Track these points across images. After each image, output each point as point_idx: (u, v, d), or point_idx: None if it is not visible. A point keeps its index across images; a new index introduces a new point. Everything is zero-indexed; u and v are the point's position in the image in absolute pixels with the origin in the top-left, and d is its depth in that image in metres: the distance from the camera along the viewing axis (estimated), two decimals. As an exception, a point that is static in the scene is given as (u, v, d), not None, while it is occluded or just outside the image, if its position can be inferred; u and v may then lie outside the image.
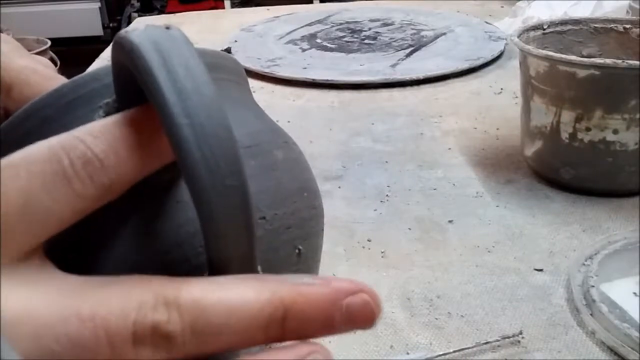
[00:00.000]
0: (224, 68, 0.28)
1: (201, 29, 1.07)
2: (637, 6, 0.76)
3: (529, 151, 0.52)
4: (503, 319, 0.37)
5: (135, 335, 0.17)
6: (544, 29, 0.54)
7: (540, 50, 0.47)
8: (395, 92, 0.75)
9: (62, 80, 0.29)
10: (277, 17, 1.09)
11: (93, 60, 0.87)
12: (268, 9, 1.19)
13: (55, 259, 0.23)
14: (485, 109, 0.68)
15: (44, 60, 0.32)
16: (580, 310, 0.36)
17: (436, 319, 0.37)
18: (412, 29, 0.97)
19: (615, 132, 0.46)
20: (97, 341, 0.16)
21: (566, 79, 0.46)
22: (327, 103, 0.73)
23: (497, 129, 0.62)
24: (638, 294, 0.37)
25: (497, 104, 0.69)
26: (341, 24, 1.03)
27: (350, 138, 0.63)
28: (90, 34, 3.22)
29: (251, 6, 1.97)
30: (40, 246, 0.19)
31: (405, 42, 0.91)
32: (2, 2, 2.96)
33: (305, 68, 0.81)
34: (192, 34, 1.02)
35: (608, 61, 0.44)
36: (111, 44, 0.21)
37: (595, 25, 0.54)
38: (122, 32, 0.20)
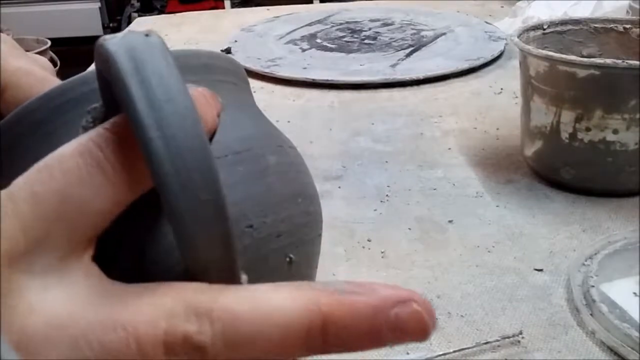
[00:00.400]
0: (219, 69, 0.27)
1: (201, 29, 1.07)
2: (637, 6, 0.76)
3: (529, 151, 0.52)
4: (503, 319, 0.37)
5: (166, 345, 0.17)
6: (544, 29, 0.54)
7: (540, 50, 0.47)
8: (395, 92, 0.75)
9: (54, 82, 0.29)
10: (277, 17, 1.09)
11: (93, 61, 0.87)
12: (268, 9, 1.19)
13: None
14: (485, 109, 0.68)
15: (42, 59, 0.32)
16: (580, 310, 0.36)
17: (436, 319, 0.37)
18: (412, 29, 0.97)
19: (615, 132, 0.46)
20: (128, 350, 0.16)
21: (566, 79, 0.46)
22: (327, 103, 0.73)
23: (497, 129, 0.62)
24: (638, 294, 0.37)
25: (497, 104, 0.69)
26: (341, 24, 1.03)
27: (350, 138, 0.63)
28: (90, 34, 3.21)
29: (251, 6, 1.97)
30: (90, 247, 0.19)
31: (405, 42, 0.91)
32: (2, 2, 2.95)
33: (305, 68, 0.81)
34: (192, 34, 1.02)
35: (608, 61, 0.44)
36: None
37: (595, 25, 0.54)
38: (102, 39, 0.20)
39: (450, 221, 0.47)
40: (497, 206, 0.49)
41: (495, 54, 0.83)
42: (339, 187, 0.53)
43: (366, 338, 0.18)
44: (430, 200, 0.50)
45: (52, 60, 2.14)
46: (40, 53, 2.01)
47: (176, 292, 0.18)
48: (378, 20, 1.03)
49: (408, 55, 0.85)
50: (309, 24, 1.02)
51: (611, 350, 0.34)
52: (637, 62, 0.43)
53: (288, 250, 0.25)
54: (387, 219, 0.48)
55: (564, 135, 0.48)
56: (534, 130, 0.51)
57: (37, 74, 0.30)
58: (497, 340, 0.34)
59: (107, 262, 0.21)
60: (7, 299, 0.16)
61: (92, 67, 0.25)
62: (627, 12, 0.76)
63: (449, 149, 0.59)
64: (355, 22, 1.03)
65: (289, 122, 0.67)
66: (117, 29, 3.16)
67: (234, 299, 0.18)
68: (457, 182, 0.53)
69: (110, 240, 0.21)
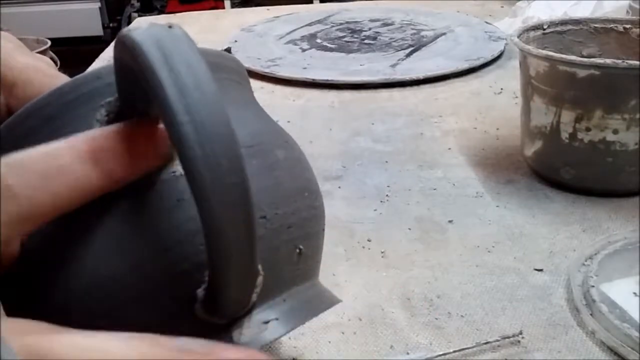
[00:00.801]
0: (225, 68, 0.28)
1: (201, 29, 1.07)
2: (637, 6, 0.76)
3: (529, 151, 0.52)
4: (503, 319, 0.37)
5: None
6: (544, 29, 0.54)
7: (540, 50, 0.47)
8: (395, 92, 0.75)
9: (64, 78, 0.29)
10: (277, 17, 1.09)
11: (93, 60, 0.88)
12: (268, 9, 1.19)
13: (53, 256, 0.23)
14: (485, 109, 0.68)
15: (46, 58, 0.32)
16: (580, 310, 0.36)
17: (436, 319, 0.37)
18: (412, 29, 0.97)
19: (615, 132, 0.46)
20: None
21: (566, 79, 0.46)
22: (327, 103, 0.73)
23: (497, 129, 0.63)
24: (638, 294, 0.37)
25: (497, 104, 0.69)
26: (341, 24, 1.03)
27: (350, 138, 0.63)
28: (90, 34, 3.22)
29: (251, 6, 1.97)
30: None
31: (405, 42, 0.91)
32: (2, 2, 2.95)
33: (305, 68, 0.81)
34: (192, 34, 1.01)
35: (608, 61, 0.44)
36: (112, 43, 0.22)
37: (595, 25, 0.54)
38: (125, 30, 0.20)
39: (450, 221, 0.47)
40: (497, 206, 0.49)
41: (495, 54, 0.83)
42: (339, 187, 0.53)
43: None
44: (430, 200, 0.50)
45: (52, 60, 2.14)
46: (40, 53, 2.01)
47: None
48: (378, 20, 1.03)
49: (408, 55, 0.85)
50: (309, 24, 1.03)
51: (611, 350, 0.34)
52: (637, 62, 0.43)
53: (298, 242, 0.26)
54: (387, 219, 0.48)
55: (564, 135, 0.48)
56: (534, 130, 0.51)
57: (46, 71, 0.30)
58: (497, 340, 0.35)
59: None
60: None
61: (95, 66, 0.25)
62: (627, 12, 0.76)
63: (449, 149, 0.59)
64: (355, 22, 1.03)
65: (289, 122, 0.67)
66: (117, 29, 3.16)
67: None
68: (457, 182, 0.53)
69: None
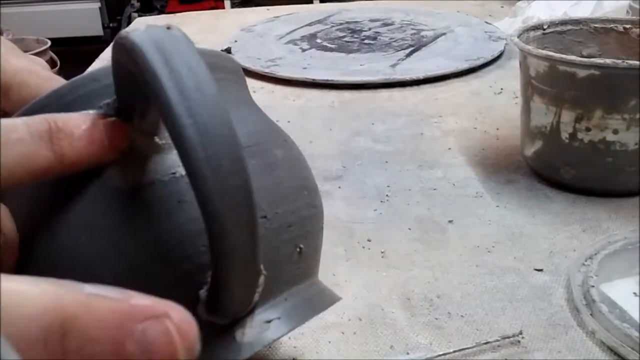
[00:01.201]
0: (222, 68, 0.28)
1: (201, 29, 1.07)
2: (637, 6, 0.76)
3: (529, 151, 0.52)
4: (503, 319, 0.37)
5: None
6: (544, 29, 0.54)
7: (540, 50, 0.47)
8: (395, 92, 0.75)
9: (60, 80, 0.29)
10: (277, 17, 1.09)
11: (93, 60, 0.87)
12: (268, 9, 1.19)
13: (55, 260, 0.23)
14: (485, 109, 0.68)
15: (40, 60, 0.32)
16: (580, 310, 0.36)
17: (436, 319, 0.37)
18: (412, 29, 0.97)
19: (615, 132, 0.46)
20: None
21: (566, 79, 0.46)
22: (327, 103, 0.73)
23: (497, 129, 0.63)
24: (638, 294, 0.37)
25: (497, 104, 0.69)
26: (341, 24, 1.03)
27: (350, 138, 0.63)
28: (90, 34, 3.22)
29: (251, 6, 1.97)
30: None
31: (405, 42, 0.91)
32: (2, 2, 2.95)
33: (305, 68, 0.81)
34: (192, 34, 1.02)
35: (608, 61, 0.44)
36: (111, 44, 0.21)
37: (595, 25, 0.54)
38: (123, 32, 0.20)
39: (450, 221, 0.47)
40: (497, 206, 0.49)
41: (495, 54, 0.83)
42: (339, 187, 0.53)
43: (108, 352, 0.16)
44: (430, 200, 0.50)
45: (52, 60, 2.14)
46: (40, 53, 2.02)
47: None
48: (378, 20, 1.03)
49: (408, 55, 0.85)
50: (309, 24, 1.03)
51: (611, 350, 0.34)
52: (637, 62, 0.43)
53: (298, 241, 0.26)
54: (387, 219, 0.48)
55: (564, 135, 0.48)
56: (534, 130, 0.51)
57: (41, 73, 0.30)
58: (497, 340, 0.35)
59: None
60: None
61: (94, 67, 0.25)
62: (627, 12, 0.76)
63: (449, 149, 0.59)
64: (355, 22, 1.03)
65: (289, 122, 0.67)
66: (117, 29, 3.16)
67: None
68: (457, 182, 0.53)
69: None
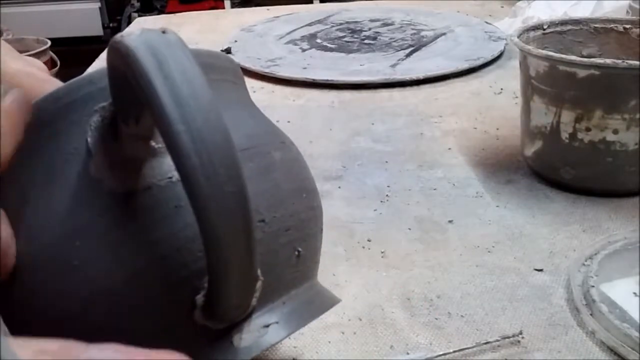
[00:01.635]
0: (219, 68, 0.28)
1: (201, 29, 1.07)
2: (637, 6, 0.76)
3: (529, 151, 0.52)
4: (503, 319, 0.37)
5: None
6: (544, 29, 0.54)
7: (540, 50, 0.47)
8: (395, 92, 0.75)
9: (56, 83, 0.29)
10: (277, 17, 1.09)
11: (93, 60, 0.87)
12: (268, 9, 1.19)
13: (50, 268, 0.22)
14: (485, 109, 0.68)
15: (37, 62, 0.32)
16: (580, 310, 0.36)
17: (436, 319, 0.37)
18: (412, 29, 0.97)
19: (615, 132, 0.46)
20: None
21: (566, 79, 0.46)
22: (327, 103, 0.73)
23: (497, 129, 0.62)
24: (638, 294, 0.37)
25: (497, 104, 0.69)
26: (341, 24, 1.03)
27: (350, 138, 0.63)
28: (90, 34, 3.22)
29: (251, 6, 1.97)
30: None
31: (405, 42, 0.91)
32: (2, 2, 2.95)
33: (305, 68, 0.81)
34: (192, 34, 1.02)
35: (608, 61, 0.44)
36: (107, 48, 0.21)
37: (595, 25, 0.54)
38: (118, 36, 0.20)
39: (450, 221, 0.47)
40: (497, 206, 0.49)
41: (495, 54, 0.83)
42: (339, 187, 0.53)
43: None
44: (430, 200, 0.50)
45: (52, 61, 2.14)
46: (40, 53, 2.01)
47: None
48: (378, 20, 1.03)
49: (408, 55, 0.85)
50: (309, 24, 1.02)
51: (611, 350, 0.34)
52: (637, 62, 0.43)
53: (296, 244, 0.26)
54: (387, 219, 0.48)
55: (564, 135, 0.48)
56: (534, 130, 0.51)
57: (38, 76, 0.30)
58: (497, 340, 0.34)
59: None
60: None
61: (94, 67, 0.25)
62: (627, 12, 0.76)
63: (449, 149, 0.59)
64: (355, 22, 1.03)
65: (289, 122, 0.67)
66: (117, 29, 3.16)
67: None
68: (457, 182, 0.53)
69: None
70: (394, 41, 0.91)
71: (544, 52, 0.47)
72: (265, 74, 0.80)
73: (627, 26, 0.53)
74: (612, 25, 0.54)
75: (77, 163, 0.23)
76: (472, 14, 1.05)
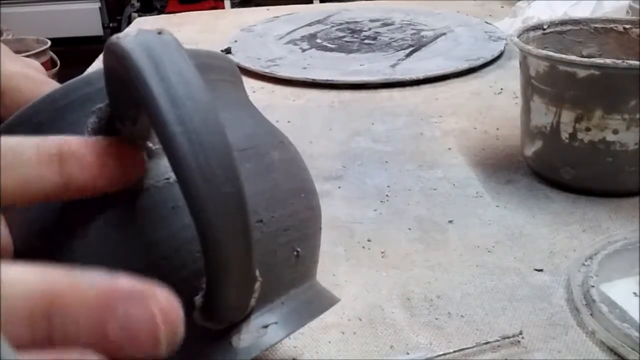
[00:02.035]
0: (218, 68, 0.28)
1: (201, 29, 1.07)
2: (637, 6, 0.76)
3: (529, 151, 0.52)
4: (503, 319, 0.37)
5: None
6: (544, 29, 0.54)
7: (540, 50, 0.47)
8: (395, 92, 0.75)
9: (53, 84, 0.29)
10: (277, 17, 1.09)
11: (93, 60, 0.87)
12: (268, 9, 1.19)
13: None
14: (485, 109, 0.68)
15: (35, 63, 0.32)
16: (580, 310, 0.36)
17: (436, 319, 0.37)
18: (412, 29, 0.97)
19: (615, 132, 0.46)
20: None
21: (566, 79, 0.46)
22: (327, 103, 0.73)
23: (497, 129, 0.62)
24: (638, 294, 0.37)
25: (497, 104, 0.69)
26: (341, 24, 1.03)
27: (350, 138, 0.63)
28: (90, 34, 3.22)
29: (251, 6, 1.97)
30: None
31: (405, 42, 0.91)
32: (2, 2, 2.95)
33: (305, 68, 0.81)
34: (192, 34, 1.02)
35: (608, 61, 0.44)
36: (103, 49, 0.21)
37: (595, 25, 0.54)
38: (114, 37, 0.20)
39: (450, 221, 0.47)
40: (497, 206, 0.49)
41: (495, 54, 0.83)
42: (339, 187, 0.53)
43: (90, 332, 0.15)
44: (430, 200, 0.50)
45: (52, 60, 2.14)
46: (40, 53, 2.02)
47: None
48: (378, 20, 1.03)
49: (408, 55, 0.85)
50: (309, 24, 1.03)
51: (611, 350, 0.34)
52: (637, 62, 0.43)
53: (295, 244, 0.26)
54: (387, 219, 0.48)
55: (564, 135, 0.48)
56: (534, 130, 0.51)
57: (36, 77, 0.29)
58: (497, 340, 0.35)
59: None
60: None
61: (94, 67, 0.25)
62: (627, 12, 0.76)
63: (449, 149, 0.59)
64: (355, 22, 1.03)
65: (289, 122, 0.67)
66: (117, 29, 3.16)
67: None
68: (457, 182, 0.53)
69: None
70: (394, 41, 0.91)
71: (544, 52, 0.47)
72: (265, 74, 0.80)
73: (627, 26, 0.53)
74: (612, 25, 0.54)
75: None
76: (472, 14, 1.05)
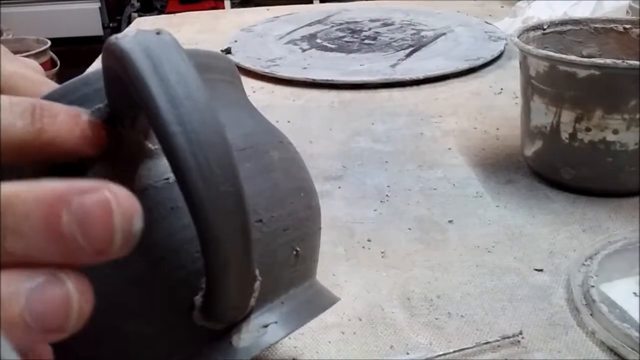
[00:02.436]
0: (217, 68, 0.28)
1: (201, 29, 1.07)
2: (637, 6, 0.76)
3: (529, 151, 0.52)
4: (503, 319, 0.37)
5: None
6: (544, 29, 0.54)
7: (540, 50, 0.47)
8: (395, 92, 0.75)
9: (52, 85, 0.29)
10: (277, 17, 1.09)
11: (93, 60, 0.87)
12: (268, 9, 1.19)
13: None
14: (485, 109, 0.68)
15: (33, 63, 0.32)
16: (580, 310, 0.36)
17: (436, 319, 0.37)
18: (412, 29, 0.97)
19: (615, 132, 0.46)
20: None
21: (566, 79, 0.46)
22: (327, 103, 0.73)
23: (497, 129, 0.63)
24: (638, 294, 0.37)
25: (497, 104, 0.69)
26: (341, 24, 1.03)
27: (350, 138, 0.63)
28: (90, 34, 3.22)
29: (251, 6, 1.97)
30: None
31: (405, 42, 0.91)
32: (2, 2, 2.95)
33: (305, 68, 0.81)
34: (192, 34, 1.02)
35: (608, 61, 0.44)
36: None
37: (595, 25, 0.54)
38: (113, 37, 0.20)
39: (450, 221, 0.47)
40: (497, 206, 0.49)
41: (495, 54, 0.83)
42: (339, 187, 0.53)
43: (43, 229, 0.15)
44: (430, 200, 0.50)
45: (52, 60, 2.14)
46: (40, 53, 2.02)
47: None
48: (378, 20, 1.03)
49: (408, 55, 0.85)
50: (309, 24, 1.03)
51: (611, 350, 0.34)
52: (637, 62, 0.43)
53: (294, 244, 0.26)
54: (387, 219, 0.48)
55: (564, 135, 0.48)
56: (534, 130, 0.51)
57: (34, 78, 0.29)
58: (497, 340, 0.35)
59: None
60: None
61: (94, 67, 0.25)
62: (627, 12, 0.76)
63: (449, 149, 0.59)
64: (355, 22, 1.03)
65: (289, 122, 0.67)
66: (117, 29, 3.16)
67: None
68: (457, 182, 0.53)
69: None
70: (394, 41, 0.91)
71: (544, 52, 0.47)
72: (265, 74, 0.80)
73: (627, 26, 0.53)
74: (612, 25, 0.54)
75: None
76: (472, 14, 1.05)
